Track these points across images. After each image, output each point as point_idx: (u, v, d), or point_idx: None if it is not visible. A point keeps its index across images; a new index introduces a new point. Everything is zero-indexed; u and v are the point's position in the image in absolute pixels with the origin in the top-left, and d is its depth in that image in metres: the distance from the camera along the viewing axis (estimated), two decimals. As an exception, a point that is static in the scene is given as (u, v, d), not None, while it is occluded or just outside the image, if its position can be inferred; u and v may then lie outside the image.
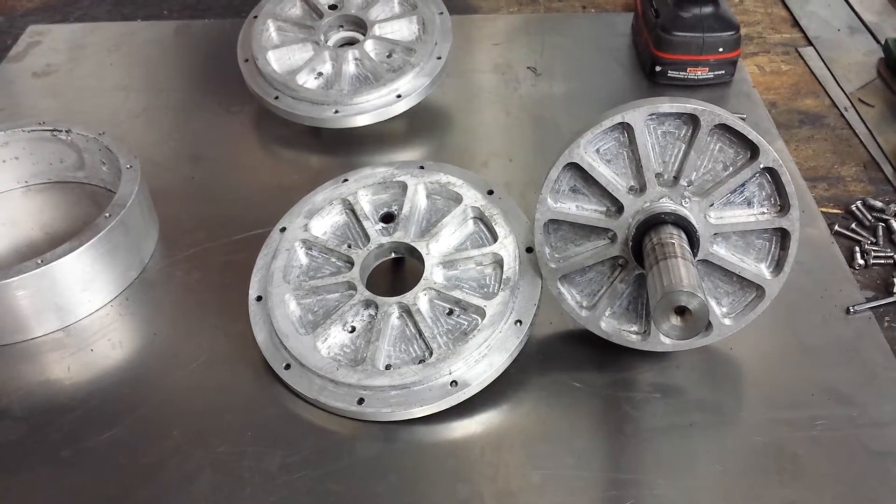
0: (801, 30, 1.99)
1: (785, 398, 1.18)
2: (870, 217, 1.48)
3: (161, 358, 1.27)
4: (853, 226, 1.47)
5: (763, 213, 1.10)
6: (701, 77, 1.72)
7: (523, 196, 1.47)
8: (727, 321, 1.17)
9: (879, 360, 1.22)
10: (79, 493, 1.11)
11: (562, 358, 1.23)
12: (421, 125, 1.69)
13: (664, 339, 1.16)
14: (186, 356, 1.27)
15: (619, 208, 1.12)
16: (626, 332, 1.19)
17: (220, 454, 1.14)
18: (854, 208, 1.50)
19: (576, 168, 1.11)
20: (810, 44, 1.94)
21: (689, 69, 1.71)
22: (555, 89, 1.78)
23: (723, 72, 1.72)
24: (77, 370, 1.26)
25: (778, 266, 1.12)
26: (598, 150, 1.11)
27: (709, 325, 1.16)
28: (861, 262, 1.40)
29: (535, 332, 1.25)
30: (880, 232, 1.45)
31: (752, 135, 1.05)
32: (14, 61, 1.93)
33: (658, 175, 1.10)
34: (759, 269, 1.13)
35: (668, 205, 1.09)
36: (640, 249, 1.10)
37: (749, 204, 1.11)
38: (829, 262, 1.37)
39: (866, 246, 1.42)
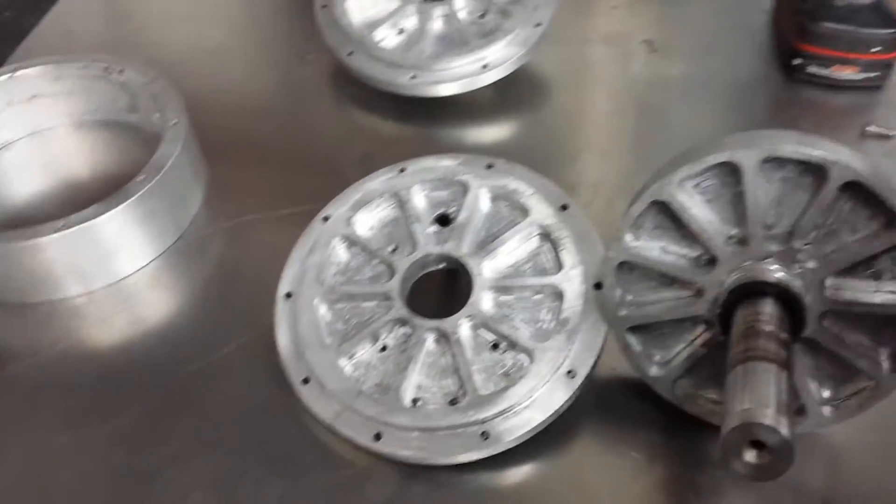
0: (983, 25, 1.65)
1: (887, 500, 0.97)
2: None
3: (179, 346, 1.16)
4: None
5: (893, 292, 0.87)
6: (847, 78, 1.44)
7: (609, 204, 1.26)
8: (826, 410, 0.95)
9: None
10: (66, 492, 1.03)
11: (620, 414, 1.05)
12: (508, 101, 1.48)
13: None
14: (206, 347, 1.15)
15: (712, 259, 0.91)
16: (703, 400, 1.00)
17: (218, 471, 1.02)
18: None
19: (665, 206, 0.90)
20: None
21: (834, 67, 1.43)
22: (671, 70, 1.54)
23: (875, 74, 1.43)
24: (92, 344, 1.18)
25: (903, 358, 0.90)
26: (696, 186, 0.90)
27: (803, 409, 0.96)
28: None
29: (594, 376, 1.07)
30: None
31: (894, 200, 0.82)
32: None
33: (767, 227, 0.88)
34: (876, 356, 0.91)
35: (774, 270, 0.87)
36: (729, 318, 0.89)
37: (877, 278, 0.88)
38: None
39: None
